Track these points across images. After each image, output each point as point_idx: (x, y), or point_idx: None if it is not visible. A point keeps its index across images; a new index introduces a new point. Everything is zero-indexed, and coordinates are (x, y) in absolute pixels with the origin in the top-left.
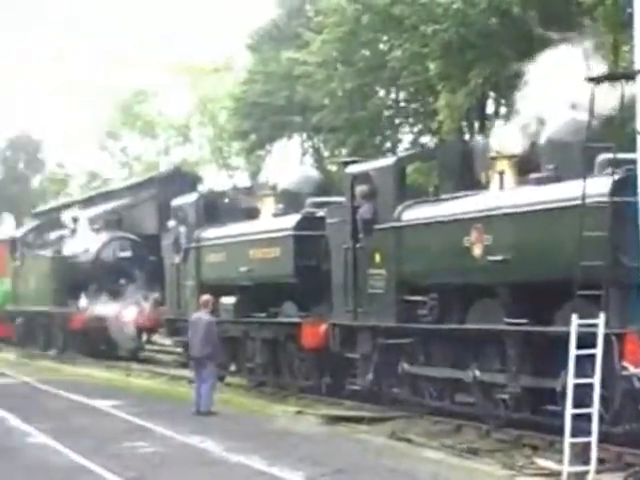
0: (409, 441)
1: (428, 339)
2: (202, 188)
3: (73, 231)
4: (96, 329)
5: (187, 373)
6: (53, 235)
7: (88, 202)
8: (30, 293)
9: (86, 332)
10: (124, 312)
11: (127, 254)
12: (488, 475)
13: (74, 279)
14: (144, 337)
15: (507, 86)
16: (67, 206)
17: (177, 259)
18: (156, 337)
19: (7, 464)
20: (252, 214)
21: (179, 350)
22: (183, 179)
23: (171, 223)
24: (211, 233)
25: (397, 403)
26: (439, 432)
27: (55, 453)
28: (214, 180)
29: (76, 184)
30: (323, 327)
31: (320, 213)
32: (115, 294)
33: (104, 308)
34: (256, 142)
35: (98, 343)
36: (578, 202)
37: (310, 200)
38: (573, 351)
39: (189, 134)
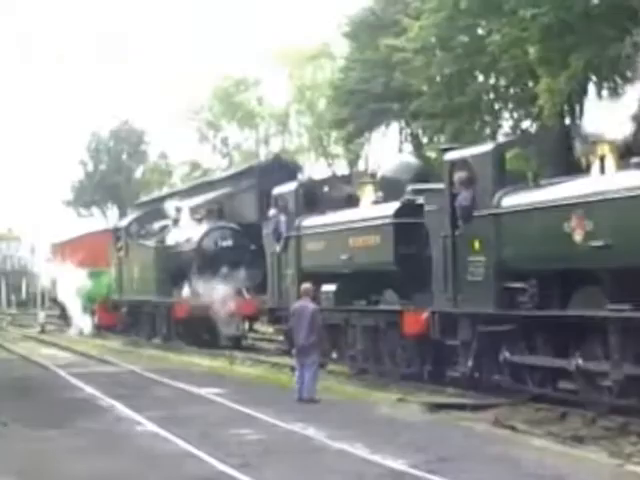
0: (512, 428)
1: (529, 326)
2: (302, 176)
3: (176, 221)
4: (199, 318)
5: (289, 361)
6: (156, 225)
7: (190, 192)
8: (134, 282)
9: (189, 321)
10: (226, 301)
11: (228, 243)
12: (595, 463)
13: (177, 268)
14: (246, 325)
15: (609, 69)
16: (169, 196)
17: (277, 248)
18: (258, 325)
19: (116, 451)
20: (351, 202)
21: (280, 338)
22: (283, 168)
23: (271, 212)
24: (311, 221)
25: (498, 390)
26: (543, 419)
27: (162, 440)
28: (313, 168)
29: (178, 174)
30: (424, 315)
31: (420, 200)
32: (217, 283)
33: (207, 297)
34: (355, 130)
35: (201, 332)
36: None
37: (410, 187)
38: None
39: (288, 123)
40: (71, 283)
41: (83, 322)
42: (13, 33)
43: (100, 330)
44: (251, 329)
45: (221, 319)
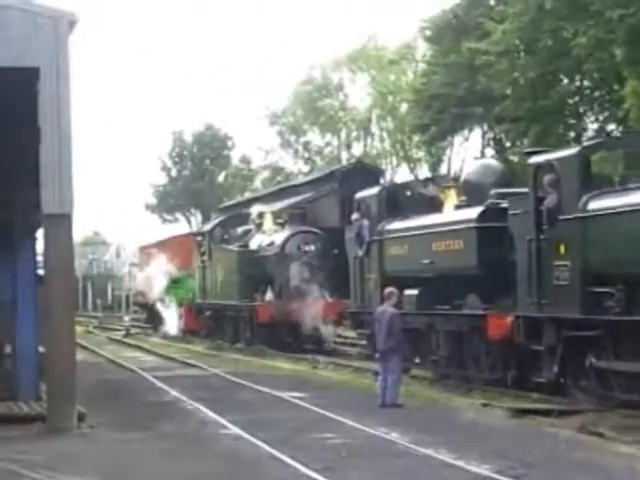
0: (600, 435)
1: (615, 331)
2: (384, 181)
3: (258, 225)
4: (282, 322)
5: (372, 365)
6: (239, 230)
7: (272, 197)
8: (217, 287)
9: (272, 325)
10: (309, 305)
11: (311, 247)
12: None
13: (260, 272)
14: (329, 329)
15: None
16: (252, 201)
17: (360, 252)
18: (340, 329)
19: (201, 454)
20: (434, 206)
21: (363, 342)
22: (365, 172)
23: (354, 216)
24: (394, 225)
25: (584, 396)
26: (630, 426)
27: (246, 444)
28: (395, 173)
29: (259, 179)
30: (508, 319)
31: (504, 204)
32: (300, 287)
33: (289, 301)
34: (437, 134)
35: (284, 335)
36: None
37: (493, 191)
38: None
39: (370, 127)
40: (158, 286)
41: (170, 325)
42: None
43: (185, 334)
44: (334, 333)
45: (304, 323)
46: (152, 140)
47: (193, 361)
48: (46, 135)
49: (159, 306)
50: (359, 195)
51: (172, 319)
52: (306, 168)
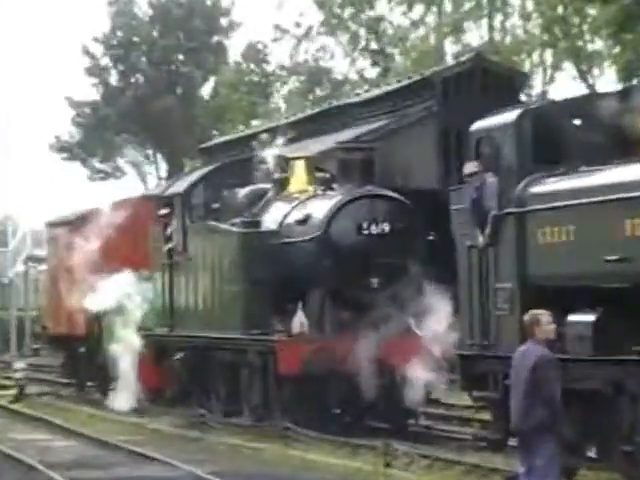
0: None
1: None
2: (529, 97)
3: (280, 184)
4: (327, 375)
5: (503, 462)
6: (242, 192)
7: (307, 127)
8: (199, 306)
9: (305, 380)
10: (379, 342)
11: (383, 227)
12: None
13: (283, 277)
14: (418, 390)
15: None
16: (265, 136)
17: (480, 238)
18: (439, 392)
19: None
20: (630, 148)
21: (485, 417)
22: (491, 80)
23: (469, 167)
24: (548, 187)
25: None
26: None
27: None
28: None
29: (282, 93)
30: None
31: None
32: (358, 305)
33: (341, 335)
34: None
35: (329, 401)
36: None
37: None
38: None
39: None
40: (77, 300)
41: (121, 386)
42: None
43: (141, 398)
44: (428, 397)
45: (369, 377)
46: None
47: (151, 450)
48: None
49: (90, 341)
50: (479, 126)
51: (123, 372)
52: (374, 72)
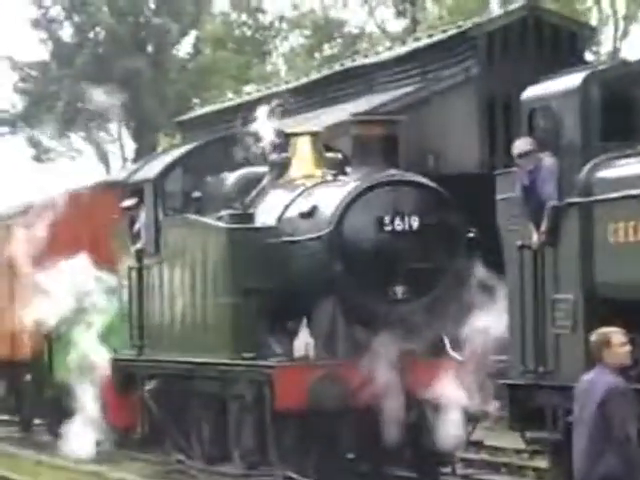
0: None
1: None
2: (598, 56)
3: (278, 167)
4: (338, 411)
5: None
6: (230, 178)
7: (313, 94)
8: (176, 322)
9: (310, 418)
10: (405, 367)
11: (410, 223)
12: None
13: (282, 288)
14: (454, 428)
15: None
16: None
17: (534, 235)
18: (481, 433)
19: None
20: None
21: (541, 464)
22: (545, 34)
23: (520, 146)
24: (621, 169)
25: None
26: None
27: None
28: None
29: (282, 50)
30: None
31: None
32: (378, 321)
33: (354, 358)
34: None
35: (344, 445)
36: None
37: None
38: None
39: None
40: (21, 316)
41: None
42: None
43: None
44: (467, 439)
45: (391, 412)
46: None
47: None
48: None
49: (38, 367)
50: (533, 93)
51: (80, 406)
52: (398, 25)
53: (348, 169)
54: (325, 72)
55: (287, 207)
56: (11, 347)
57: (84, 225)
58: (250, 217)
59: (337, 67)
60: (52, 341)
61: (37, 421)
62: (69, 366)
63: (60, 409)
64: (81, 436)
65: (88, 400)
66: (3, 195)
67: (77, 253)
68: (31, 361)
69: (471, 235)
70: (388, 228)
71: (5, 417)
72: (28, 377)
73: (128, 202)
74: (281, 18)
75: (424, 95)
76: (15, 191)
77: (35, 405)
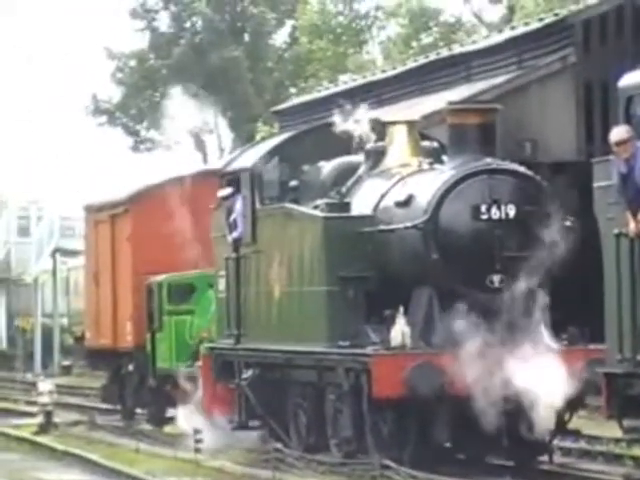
0: None
1: None
2: None
3: (374, 156)
4: (435, 399)
5: None
6: (326, 167)
7: (405, 82)
8: (272, 312)
9: (410, 407)
10: (505, 357)
11: (506, 212)
12: None
13: (377, 275)
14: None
15: None
16: (356, 94)
17: (632, 224)
18: (580, 420)
19: None
20: None
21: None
22: (638, 19)
23: (618, 134)
24: None
25: None
26: None
27: None
28: None
29: (379, 39)
30: None
31: None
32: (475, 310)
33: (453, 348)
34: None
35: (440, 432)
36: None
37: None
38: None
39: None
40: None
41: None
42: None
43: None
44: (562, 427)
45: (488, 401)
46: None
47: None
48: None
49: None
50: (631, 80)
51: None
52: (495, 13)
53: (444, 158)
54: (422, 61)
55: (383, 196)
56: (114, 336)
57: (183, 215)
58: (346, 206)
59: (433, 56)
60: (155, 331)
61: (139, 410)
62: (171, 355)
63: (162, 399)
64: (181, 425)
65: (188, 389)
66: (103, 184)
67: (178, 244)
68: (134, 350)
69: (568, 223)
70: (484, 217)
71: (106, 406)
72: (131, 367)
73: (225, 191)
74: (377, 7)
75: (521, 83)
76: (114, 180)
77: (137, 394)
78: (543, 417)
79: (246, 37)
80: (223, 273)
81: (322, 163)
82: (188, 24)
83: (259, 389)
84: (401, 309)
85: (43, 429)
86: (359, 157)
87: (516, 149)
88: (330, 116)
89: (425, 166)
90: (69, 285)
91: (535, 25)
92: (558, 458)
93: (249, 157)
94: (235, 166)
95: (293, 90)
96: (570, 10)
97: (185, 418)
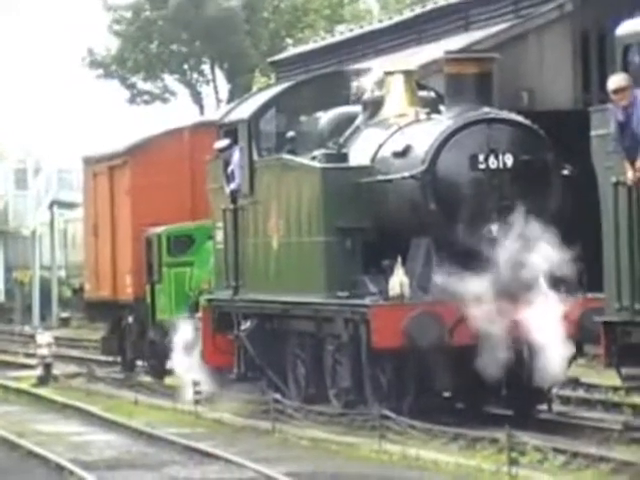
0: None
1: None
2: None
3: (371, 106)
4: (433, 350)
5: None
6: (324, 118)
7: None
8: (270, 263)
9: (408, 357)
10: (508, 305)
11: (504, 161)
12: None
13: (375, 225)
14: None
15: None
16: (352, 44)
17: (629, 172)
18: (577, 367)
19: None
20: None
21: (639, 401)
22: None
23: (615, 82)
24: None
25: None
26: None
27: None
28: None
29: None
30: None
31: None
32: (473, 259)
33: (452, 296)
34: None
35: (440, 382)
36: None
37: None
38: None
39: None
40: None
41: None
42: None
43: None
44: (563, 376)
45: (487, 351)
46: None
47: (212, 446)
48: None
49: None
50: (628, 28)
51: (183, 345)
52: None
53: (442, 107)
54: (419, 10)
55: (381, 146)
56: (113, 289)
57: (181, 167)
58: (344, 156)
59: (431, 5)
60: (154, 282)
61: (139, 362)
62: (171, 307)
63: (161, 351)
64: (180, 377)
65: (187, 341)
66: (101, 137)
67: (176, 196)
68: (133, 302)
69: (566, 172)
70: (482, 166)
71: (105, 358)
72: (130, 319)
73: (222, 143)
74: None
75: (518, 32)
76: (111, 133)
77: (137, 346)
78: (542, 366)
79: None
80: (221, 225)
81: (319, 114)
82: None
83: (258, 340)
84: (399, 259)
85: (42, 381)
86: (356, 107)
87: (513, 98)
88: (327, 66)
89: (422, 116)
90: (67, 237)
91: None
92: (557, 407)
93: (246, 108)
94: (232, 117)
95: (289, 41)
96: None
97: (182, 366)
